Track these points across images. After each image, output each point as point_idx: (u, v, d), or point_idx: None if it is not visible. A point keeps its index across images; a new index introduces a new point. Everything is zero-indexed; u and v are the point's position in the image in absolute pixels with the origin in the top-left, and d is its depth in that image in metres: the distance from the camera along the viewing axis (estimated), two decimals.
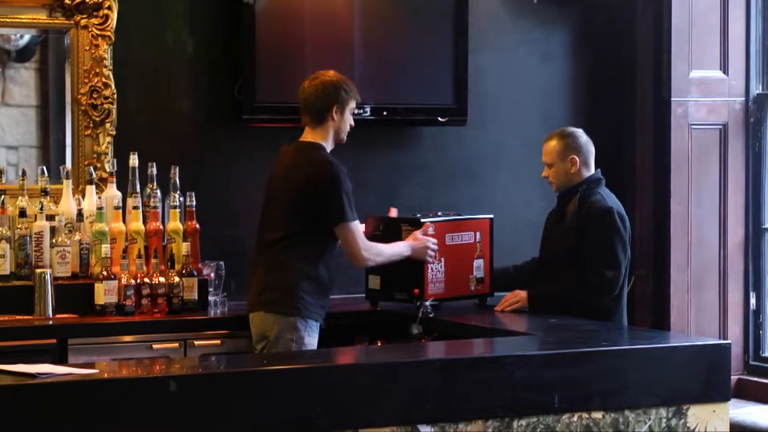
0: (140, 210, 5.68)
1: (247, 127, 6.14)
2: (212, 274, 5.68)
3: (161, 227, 5.69)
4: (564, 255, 5.53)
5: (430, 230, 5.55)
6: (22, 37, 6.02)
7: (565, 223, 5.57)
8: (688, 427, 4.35)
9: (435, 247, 5.52)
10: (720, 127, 6.82)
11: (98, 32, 5.85)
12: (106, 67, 5.87)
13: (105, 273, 5.48)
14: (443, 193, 6.60)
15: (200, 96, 6.20)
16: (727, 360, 4.51)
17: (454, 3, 6.47)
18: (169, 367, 4.16)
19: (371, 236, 5.52)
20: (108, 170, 5.80)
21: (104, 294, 5.46)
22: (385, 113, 6.32)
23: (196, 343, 5.45)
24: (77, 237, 5.60)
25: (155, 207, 5.70)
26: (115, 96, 5.88)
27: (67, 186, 5.69)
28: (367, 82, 6.15)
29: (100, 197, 5.71)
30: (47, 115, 6.11)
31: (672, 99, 6.70)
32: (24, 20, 5.80)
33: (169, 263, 5.62)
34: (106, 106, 5.87)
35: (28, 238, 5.54)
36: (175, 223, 5.69)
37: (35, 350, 5.10)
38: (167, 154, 5.89)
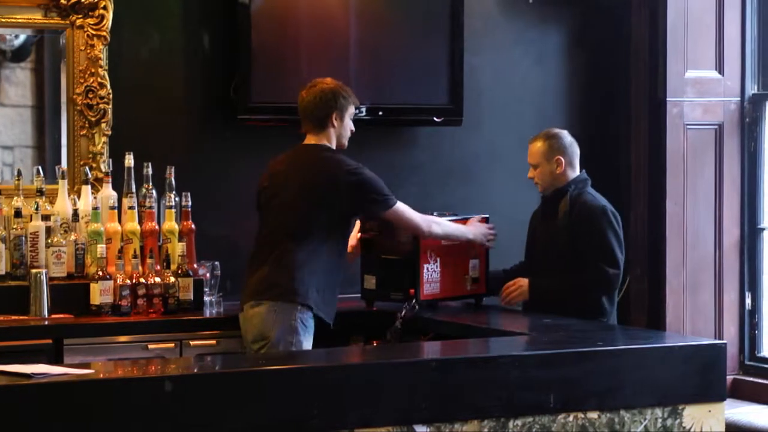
0: (136, 210, 5.67)
1: (243, 127, 6.14)
2: (208, 275, 5.68)
3: (157, 227, 5.68)
4: (556, 255, 5.52)
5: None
6: (17, 37, 6.01)
7: (556, 223, 5.56)
8: (684, 427, 4.35)
9: (494, 233, 5.69)
10: (715, 127, 6.82)
11: (94, 32, 5.85)
12: (101, 67, 5.86)
13: (100, 273, 5.48)
14: (439, 192, 6.61)
15: (196, 96, 6.20)
16: (722, 360, 4.50)
17: (450, 3, 6.47)
18: (165, 367, 4.16)
19: (368, 236, 5.53)
20: (103, 170, 5.80)
21: (100, 294, 5.45)
22: (380, 113, 6.32)
23: (191, 343, 5.45)
24: (73, 237, 5.60)
25: (151, 207, 5.69)
26: (111, 96, 5.87)
27: (63, 186, 5.69)
28: (363, 83, 6.16)
29: (95, 197, 5.70)
30: (43, 115, 6.10)
31: (667, 99, 6.70)
32: (19, 20, 5.80)
33: (164, 263, 5.62)
34: (101, 106, 5.87)
35: (23, 238, 5.53)
36: (170, 224, 5.69)
37: (31, 350, 5.10)
38: (163, 155, 5.88)
